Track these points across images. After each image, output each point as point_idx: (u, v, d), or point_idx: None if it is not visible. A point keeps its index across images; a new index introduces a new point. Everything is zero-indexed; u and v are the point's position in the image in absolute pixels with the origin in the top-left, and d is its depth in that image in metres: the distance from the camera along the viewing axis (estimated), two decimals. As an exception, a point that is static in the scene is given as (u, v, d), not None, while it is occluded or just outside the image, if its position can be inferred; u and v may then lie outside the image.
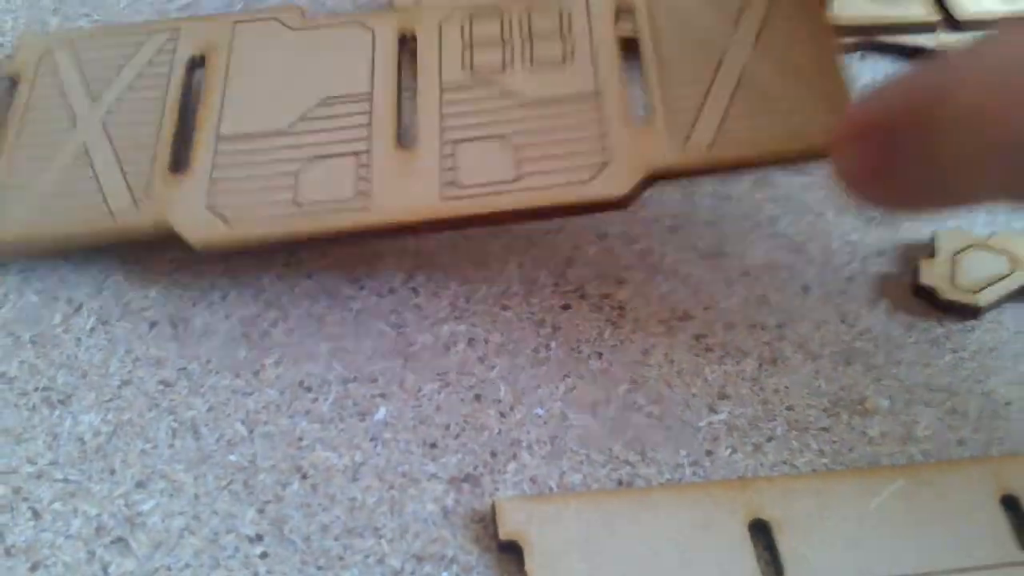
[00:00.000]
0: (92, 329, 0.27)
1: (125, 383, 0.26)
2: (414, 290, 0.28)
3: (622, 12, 0.30)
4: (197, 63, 0.30)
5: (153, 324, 0.27)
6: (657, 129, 0.27)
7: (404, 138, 0.28)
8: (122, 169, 0.28)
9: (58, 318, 0.28)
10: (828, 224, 0.30)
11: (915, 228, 0.30)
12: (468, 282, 0.28)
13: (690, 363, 0.27)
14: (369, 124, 0.28)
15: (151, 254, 0.29)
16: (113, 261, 0.29)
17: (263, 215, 0.27)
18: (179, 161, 0.28)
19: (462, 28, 0.30)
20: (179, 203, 0.27)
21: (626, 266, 0.29)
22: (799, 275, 0.29)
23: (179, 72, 0.30)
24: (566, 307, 0.28)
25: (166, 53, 0.30)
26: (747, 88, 0.27)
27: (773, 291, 0.28)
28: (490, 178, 0.27)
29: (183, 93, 0.30)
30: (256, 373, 0.26)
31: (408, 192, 0.27)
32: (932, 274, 0.28)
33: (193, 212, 0.27)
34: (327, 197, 0.27)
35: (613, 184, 0.27)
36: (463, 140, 0.28)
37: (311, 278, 0.29)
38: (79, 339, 0.27)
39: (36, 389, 0.26)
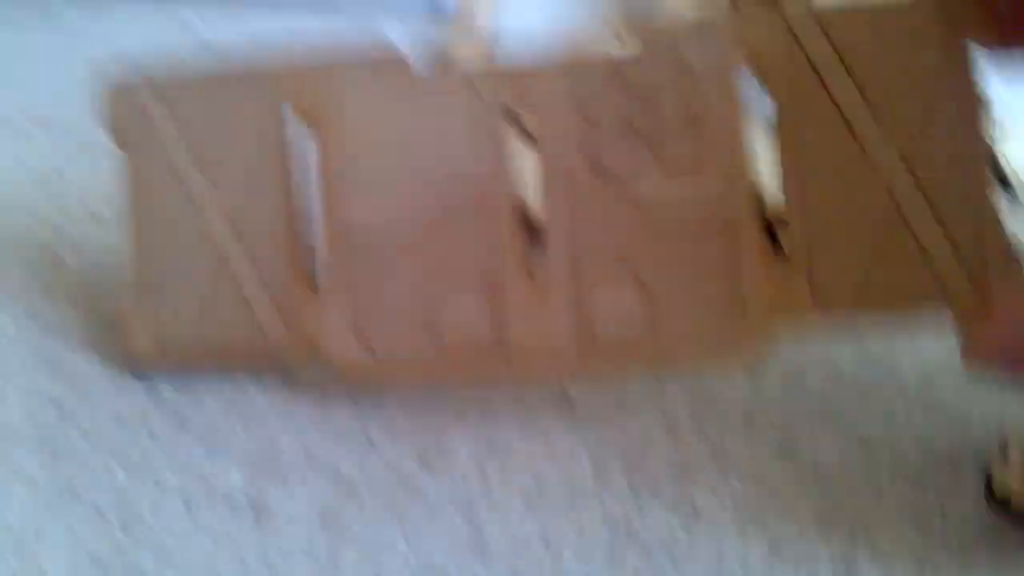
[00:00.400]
0: (177, 510, 0.28)
1: (210, 570, 0.26)
2: (486, 479, 0.29)
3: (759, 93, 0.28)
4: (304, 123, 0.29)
5: (236, 507, 0.28)
6: (792, 271, 0.27)
7: (534, 258, 0.28)
8: (265, 286, 0.29)
9: (144, 498, 0.28)
10: (900, 421, 0.30)
11: (987, 424, 0.30)
12: (540, 473, 0.29)
13: (764, 572, 0.27)
14: (497, 245, 0.28)
15: (231, 434, 0.30)
16: (193, 438, 0.30)
17: (407, 355, 0.28)
18: (315, 272, 0.29)
19: (583, 107, 0.28)
20: (326, 333, 0.29)
21: (699, 463, 0.29)
22: (872, 476, 0.29)
23: (290, 145, 0.29)
24: (639, 506, 0.28)
25: (271, 117, 0.29)
26: (888, 218, 0.27)
27: (846, 494, 0.28)
28: (626, 330, 0.28)
29: (299, 180, 0.29)
30: (335, 565, 0.27)
31: (545, 345, 0.28)
32: (1005, 483, 0.28)
33: (343, 344, 0.28)
34: (466, 339, 0.28)
35: (745, 343, 0.27)
36: (598, 283, 0.28)
37: (385, 462, 0.29)
38: (165, 521, 0.27)
39: (123, 571, 0.27)
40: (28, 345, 0.32)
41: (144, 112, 0.29)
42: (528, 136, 0.29)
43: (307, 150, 0.30)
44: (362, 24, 0.49)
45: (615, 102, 0.28)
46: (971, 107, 0.26)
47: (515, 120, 0.28)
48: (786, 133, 0.27)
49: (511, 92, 0.28)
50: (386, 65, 0.29)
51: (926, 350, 0.32)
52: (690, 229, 0.27)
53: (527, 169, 0.28)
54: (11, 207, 0.38)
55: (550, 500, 0.28)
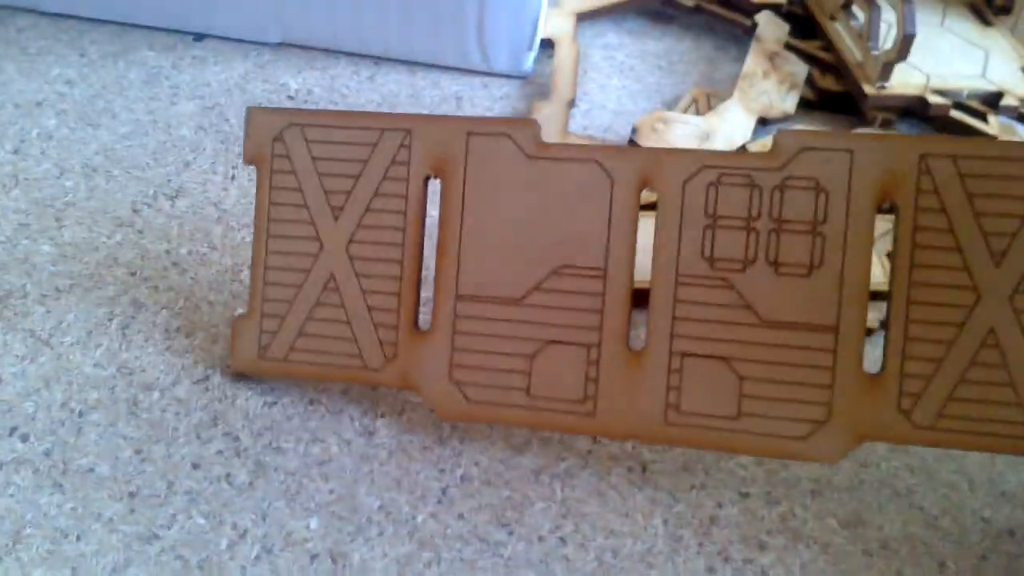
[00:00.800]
0: (256, 557, 0.28)
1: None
2: (562, 540, 0.29)
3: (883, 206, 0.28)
4: (431, 178, 0.30)
5: (314, 557, 0.28)
6: (884, 391, 0.28)
7: (632, 334, 0.30)
8: (372, 320, 0.30)
9: (224, 543, 0.28)
10: (962, 498, 0.31)
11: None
12: (614, 535, 0.29)
13: (835, 642, 0.27)
14: (602, 311, 0.29)
15: (310, 484, 0.30)
16: (274, 488, 0.30)
17: (499, 401, 0.30)
18: (420, 317, 0.31)
19: (707, 196, 0.29)
20: (426, 371, 0.30)
21: (768, 530, 0.29)
22: (935, 551, 0.29)
23: (415, 191, 0.30)
24: (710, 570, 0.28)
25: (401, 164, 0.30)
26: (988, 358, 0.28)
27: (910, 566, 0.29)
28: (712, 410, 0.29)
29: (420, 224, 0.30)
30: (413, 619, 0.27)
31: (633, 408, 0.29)
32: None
33: (438, 384, 0.30)
34: (557, 395, 0.29)
35: (827, 449, 0.28)
36: (692, 355, 0.29)
37: (463, 518, 0.29)
38: (244, 567, 0.28)
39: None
40: (107, 385, 0.33)
41: (280, 135, 0.31)
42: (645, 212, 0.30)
43: (430, 199, 0.31)
44: (438, 82, 0.50)
45: (740, 197, 0.29)
46: None
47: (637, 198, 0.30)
48: (902, 255, 0.28)
49: (638, 170, 0.29)
50: (517, 127, 0.30)
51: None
52: (792, 330, 0.28)
53: (642, 246, 0.30)
54: (96, 246, 0.38)
55: (623, 561, 0.28)
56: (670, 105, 0.49)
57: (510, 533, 0.29)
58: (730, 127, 0.46)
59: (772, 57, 0.52)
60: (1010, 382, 0.27)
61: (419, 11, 0.49)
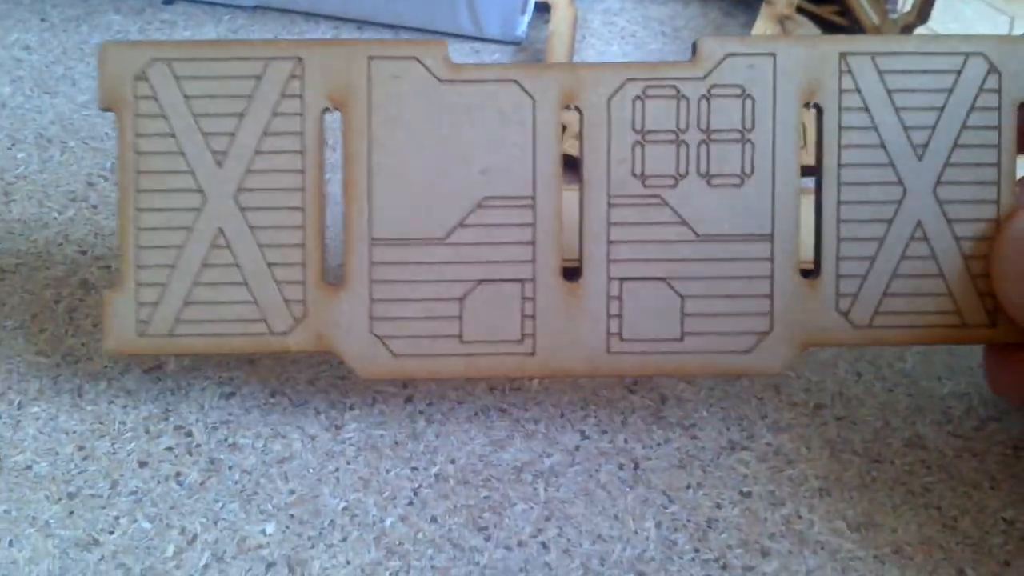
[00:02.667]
0: (205, 566, 0.26)
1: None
2: (544, 545, 0.26)
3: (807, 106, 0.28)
4: (329, 110, 0.27)
5: (270, 565, 0.26)
6: (821, 295, 0.27)
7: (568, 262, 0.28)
8: (274, 277, 0.27)
9: (170, 550, 0.26)
10: (983, 498, 0.28)
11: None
12: (601, 539, 0.27)
13: (846, 661, 0.25)
14: (533, 242, 0.27)
15: (268, 484, 0.28)
16: (228, 489, 0.27)
17: (429, 350, 0.27)
18: (331, 267, 0.28)
19: (634, 109, 0.27)
20: (343, 328, 0.27)
21: (771, 533, 0.27)
22: (953, 556, 0.27)
23: (312, 127, 0.27)
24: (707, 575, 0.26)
25: (292, 97, 0.27)
26: (917, 251, 0.28)
27: (926, 573, 0.26)
28: (656, 334, 0.27)
29: (321, 164, 0.27)
30: (377, 635, 0.24)
31: (574, 341, 0.27)
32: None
33: (359, 340, 0.27)
34: (493, 337, 0.27)
35: (771, 359, 0.27)
36: (630, 279, 0.27)
37: (435, 522, 0.27)
38: (192, 577, 0.25)
39: (143, 634, 0.24)
40: (48, 375, 0.30)
41: (143, 74, 0.27)
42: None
43: (328, 132, 0.29)
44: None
45: (667, 109, 0.27)
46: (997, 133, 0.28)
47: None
48: (829, 156, 0.28)
49: (560, 88, 0.27)
50: (424, 48, 0.27)
51: (1015, 427, 0.30)
52: (729, 242, 0.27)
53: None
54: (46, 223, 0.36)
55: (612, 569, 0.26)
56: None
57: (487, 538, 0.27)
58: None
59: (783, 21, 0.49)
60: (940, 272, 0.28)
61: (403, -29, 0.46)
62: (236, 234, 0.27)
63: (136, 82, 0.27)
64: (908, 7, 0.46)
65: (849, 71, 0.28)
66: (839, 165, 0.28)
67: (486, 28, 0.48)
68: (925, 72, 0.28)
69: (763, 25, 0.48)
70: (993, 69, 0.27)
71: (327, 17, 0.48)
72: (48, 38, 0.46)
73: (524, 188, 0.27)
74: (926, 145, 0.28)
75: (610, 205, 0.28)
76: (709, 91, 0.28)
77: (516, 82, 0.28)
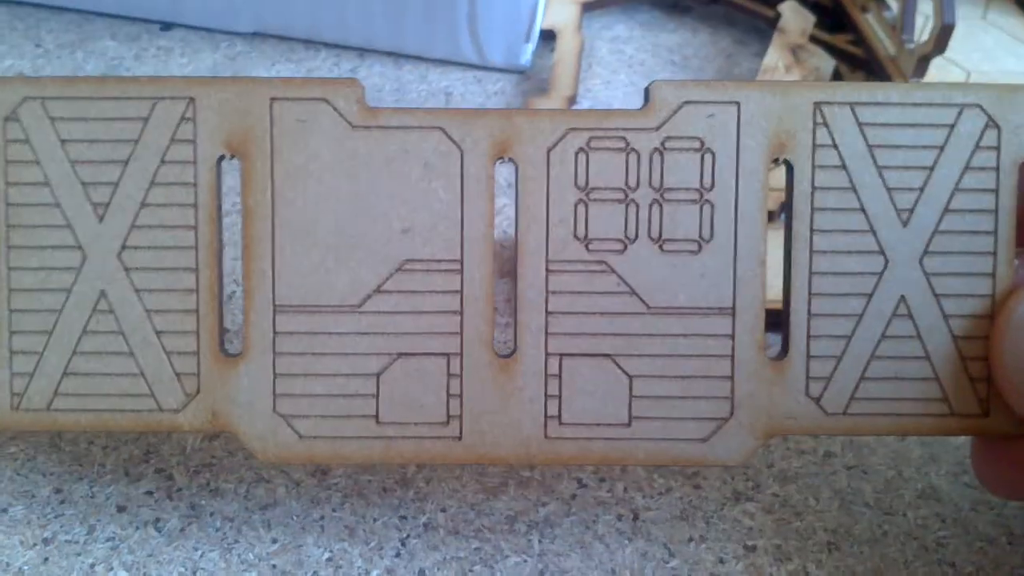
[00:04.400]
0: (182, 620, 0.24)
1: None
2: (538, 600, 0.25)
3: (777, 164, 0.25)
4: (226, 158, 0.25)
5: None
6: (789, 378, 0.24)
7: (500, 339, 0.25)
8: (163, 347, 0.24)
9: (146, 602, 0.25)
10: (1000, 554, 0.27)
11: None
12: (598, 595, 0.25)
13: None
14: (461, 312, 0.25)
15: (250, 532, 0.26)
16: (208, 536, 0.26)
17: (341, 432, 0.24)
18: (228, 337, 0.25)
19: (576, 163, 0.24)
20: (242, 405, 0.24)
21: (777, 590, 0.25)
22: (970, 615, 0.25)
23: (206, 177, 0.24)
24: (711, 641, 0.24)
25: (184, 143, 0.24)
26: (897, 329, 0.25)
27: (943, 636, 0.25)
28: (600, 418, 0.24)
29: (217, 219, 0.24)
30: None
31: (507, 424, 0.24)
32: None
33: (260, 420, 0.24)
34: (414, 418, 0.24)
35: (732, 448, 0.25)
36: (571, 355, 0.25)
37: (424, 575, 0.25)
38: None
39: None
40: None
41: (15, 114, 0.24)
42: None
43: (226, 183, 0.26)
44: (426, 76, 0.47)
45: (615, 164, 0.25)
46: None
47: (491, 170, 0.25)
48: (800, 220, 0.25)
49: (492, 137, 0.25)
50: (336, 89, 0.24)
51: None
52: (684, 316, 0.25)
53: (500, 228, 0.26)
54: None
55: (609, 630, 0.25)
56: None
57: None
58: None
59: (796, 50, 0.48)
60: (925, 354, 0.25)
61: (406, -1, 0.45)
62: (120, 297, 0.24)
63: (6, 123, 0.24)
64: (925, 36, 0.45)
65: (825, 123, 0.24)
66: (811, 231, 0.25)
67: (489, 56, 0.47)
68: (912, 126, 0.25)
69: (775, 54, 0.47)
70: (991, 123, 0.24)
71: (327, 44, 0.48)
72: (42, 64, 0.45)
73: (451, 250, 0.25)
74: (912, 210, 0.25)
75: (548, 271, 0.25)
76: (663, 144, 0.25)
77: (441, 129, 0.25)
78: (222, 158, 0.25)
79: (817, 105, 0.25)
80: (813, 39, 0.49)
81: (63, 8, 0.48)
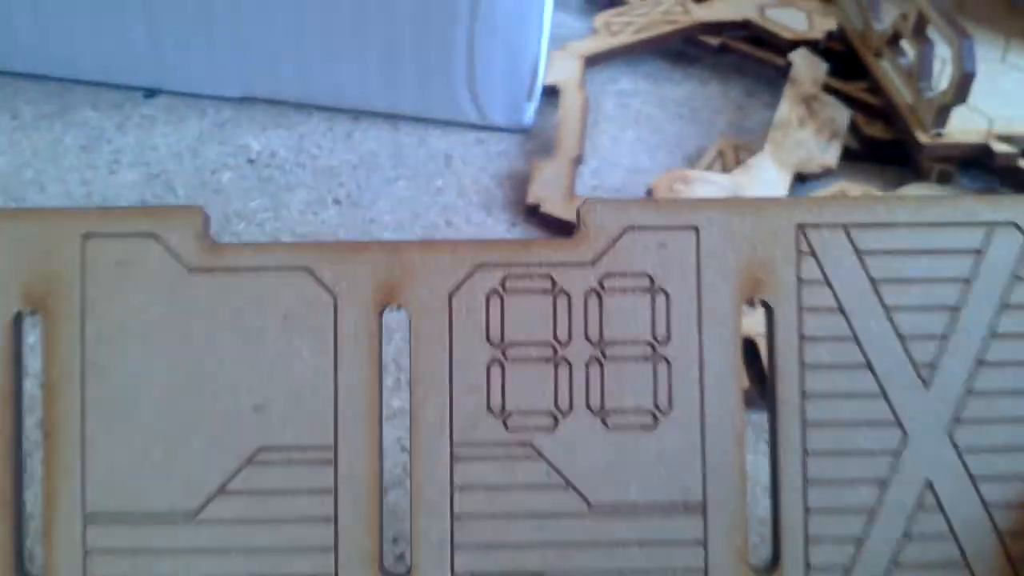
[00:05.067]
0: None
1: None
2: None
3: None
4: (25, 314, 0.19)
5: None
6: None
7: (387, 556, 0.19)
8: None
9: None
10: None
11: None
12: None
13: None
14: (335, 519, 0.19)
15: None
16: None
17: None
18: (27, 556, 0.19)
19: (487, 313, 0.19)
20: None
21: None
22: None
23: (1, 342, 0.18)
24: None
25: None
26: (927, 525, 0.19)
27: None
28: None
29: (13, 396, 0.19)
30: None
31: None
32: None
33: None
34: None
35: None
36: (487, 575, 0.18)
37: None
38: None
39: None
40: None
41: None
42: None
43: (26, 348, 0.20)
44: (425, 139, 0.44)
45: (538, 311, 0.19)
46: None
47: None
48: (786, 382, 0.19)
49: (375, 278, 0.19)
50: (167, 220, 0.19)
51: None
52: (638, 516, 0.19)
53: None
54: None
55: None
56: (692, 159, 0.42)
57: None
58: (761, 185, 0.39)
59: (809, 101, 0.46)
60: (963, 559, 0.19)
61: (402, 57, 0.42)
62: None
63: None
64: (944, 82, 0.42)
65: (812, 252, 0.19)
66: (802, 395, 0.19)
67: (490, 116, 0.44)
68: (928, 253, 0.19)
69: (788, 107, 0.45)
70: None
71: (320, 107, 0.45)
72: (18, 138, 0.43)
73: (321, 433, 0.19)
74: (934, 364, 0.19)
75: (454, 458, 0.19)
76: (600, 283, 0.19)
77: (308, 270, 0.19)
78: (18, 316, 0.19)
79: (801, 228, 0.19)
80: (827, 88, 0.47)
81: (42, 76, 0.46)
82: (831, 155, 0.42)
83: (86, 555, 0.19)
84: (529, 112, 0.44)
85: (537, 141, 0.44)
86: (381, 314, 0.19)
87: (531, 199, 0.39)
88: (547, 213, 0.38)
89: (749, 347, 0.21)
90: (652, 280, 0.19)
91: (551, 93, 0.45)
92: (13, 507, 0.19)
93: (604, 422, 0.19)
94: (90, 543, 0.19)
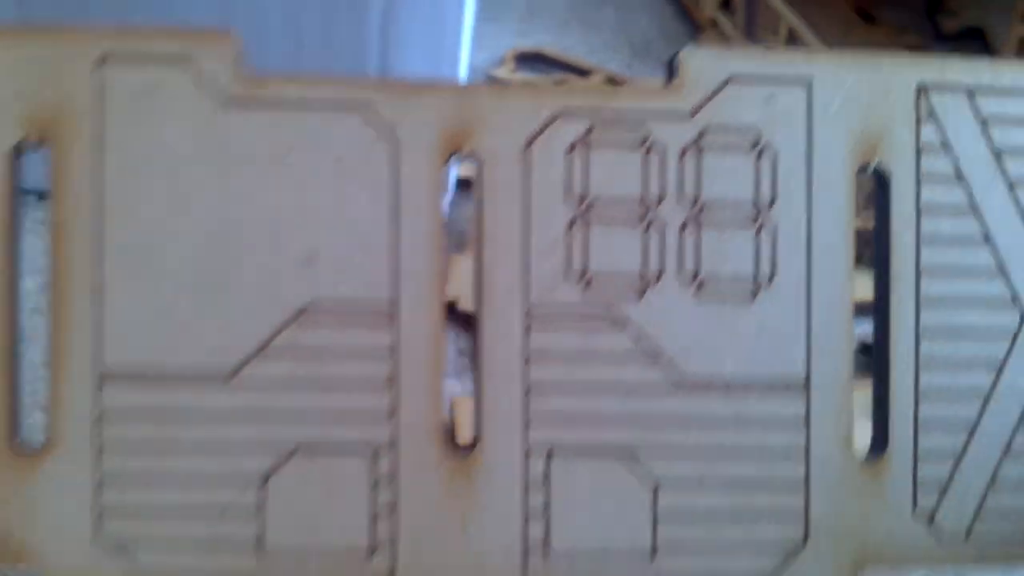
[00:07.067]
0: None
1: None
2: None
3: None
4: (29, 148, 0.17)
5: None
6: (889, 485, 0.18)
7: (452, 426, 0.18)
8: None
9: None
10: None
11: None
12: None
13: None
14: (394, 382, 0.17)
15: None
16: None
17: (199, 566, 0.17)
18: (19, 425, 0.17)
19: (569, 166, 0.18)
20: (45, 526, 0.17)
21: None
22: None
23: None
24: None
25: None
26: None
27: None
28: (609, 546, 0.17)
29: (11, 236, 0.17)
30: None
31: (464, 556, 0.17)
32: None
33: (74, 550, 0.17)
34: (319, 546, 0.17)
35: None
36: (563, 450, 0.17)
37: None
38: None
39: None
40: None
41: None
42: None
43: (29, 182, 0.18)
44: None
45: (627, 167, 0.18)
46: None
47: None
48: (902, 256, 0.18)
49: (441, 121, 0.18)
50: (201, 44, 0.17)
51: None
52: (731, 393, 0.18)
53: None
54: None
55: None
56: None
57: None
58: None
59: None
60: None
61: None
62: None
63: None
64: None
65: (933, 115, 0.18)
66: (917, 271, 0.18)
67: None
68: None
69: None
70: None
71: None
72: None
73: (377, 288, 0.17)
74: None
75: (529, 324, 0.18)
76: (700, 137, 0.18)
77: (365, 109, 0.17)
78: (19, 146, 0.17)
79: (921, 89, 0.18)
80: None
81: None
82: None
83: (99, 417, 0.17)
84: (443, 204, 0.41)
85: (452, 236, 0.40)
86: (447, 163, 0.18)
87: (449, 296, 0.35)
88: (465, 311, 0.34)
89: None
90: (759, 135, 0.18)
91: (465, 186, 0.42)
92: (7, 363, 0.17)
93: (697, 291, 0.18)
94: (105, 403, 0.17)
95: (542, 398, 0.18)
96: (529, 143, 0.18)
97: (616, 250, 0.18)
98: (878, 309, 0.19)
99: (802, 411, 0.18)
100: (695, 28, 0.52)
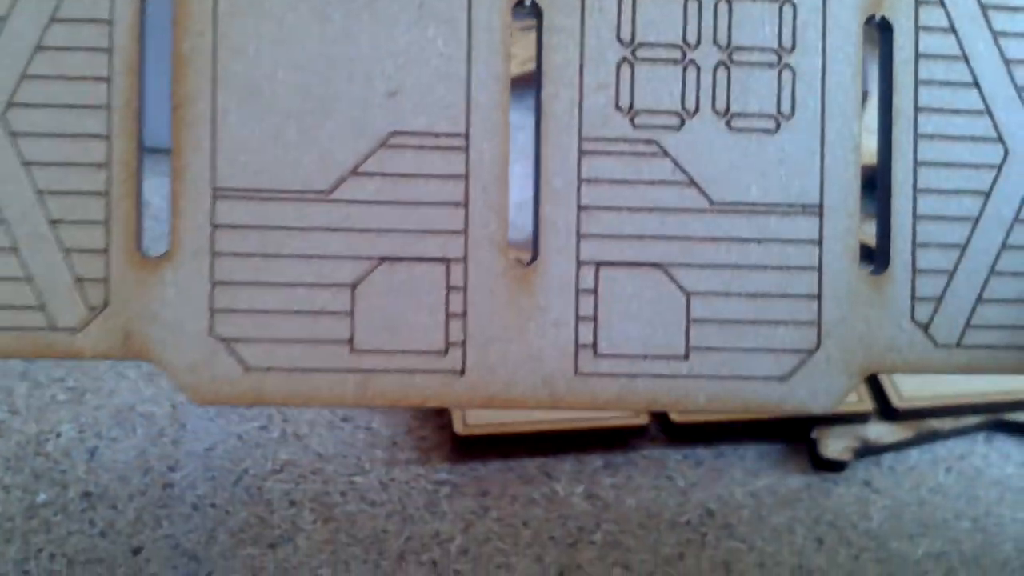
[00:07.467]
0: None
1: None
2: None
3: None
4: None
5: None
6: (891, 295, 0.20)
7: (517, 236, 0.20)
8: (60, 241, 0.19)
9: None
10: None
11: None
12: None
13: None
14: (465, 204, 0.19)
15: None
16: None
17: (301, 363, 0.19)
18: (151, 231, 0.19)
19: (620, 10, 0.20)
20: (167, 325, 0.19)
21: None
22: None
23: (125, 14, 0.18)
24: None
25: None
26: (1015, 256, 0.21)
27: None
28: (649, 348, 0.20)
29: (137, 65, 0.18)
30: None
31: (525, 355, 0.20)
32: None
33: (192, 345, 0.19)
34: (400, 345, 0.19)
35: (819, 391, 0.20)
36: (611, 264, 0.20)
37: None
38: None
39: None
40: None
41: None
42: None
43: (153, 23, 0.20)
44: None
45: (670, 15, 0.20)
46: None
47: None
48: (902, 96, 0.21)
49: None
50: None
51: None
52: (756, 214, 0.20)
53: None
54: None
55: None
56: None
57: None
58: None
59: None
60: None
61: None
62: (2, 172, 0.19)
63: None
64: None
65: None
66: (916, 109, 0.20)
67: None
68: None
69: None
70: None
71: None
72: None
73: (453, 121, 0.20)
74: None
75: (582, 152, 0.20)
76: None
77: None
78: None
79: None
80: None
81: None
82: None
83: (214, 230, 0.19)
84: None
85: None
86: (512, 8, 0.20)
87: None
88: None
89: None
90: None
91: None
92: (136, 181, 0.19)
93: (728, 124, 0.20)
94: (218, 218, 0.19)
95: (592, 218, 0.20)
96: None
97: (659, 87, 0.20)
98: (882, 143, 0.21)
99: (816, 233, 0.20)
100: None
